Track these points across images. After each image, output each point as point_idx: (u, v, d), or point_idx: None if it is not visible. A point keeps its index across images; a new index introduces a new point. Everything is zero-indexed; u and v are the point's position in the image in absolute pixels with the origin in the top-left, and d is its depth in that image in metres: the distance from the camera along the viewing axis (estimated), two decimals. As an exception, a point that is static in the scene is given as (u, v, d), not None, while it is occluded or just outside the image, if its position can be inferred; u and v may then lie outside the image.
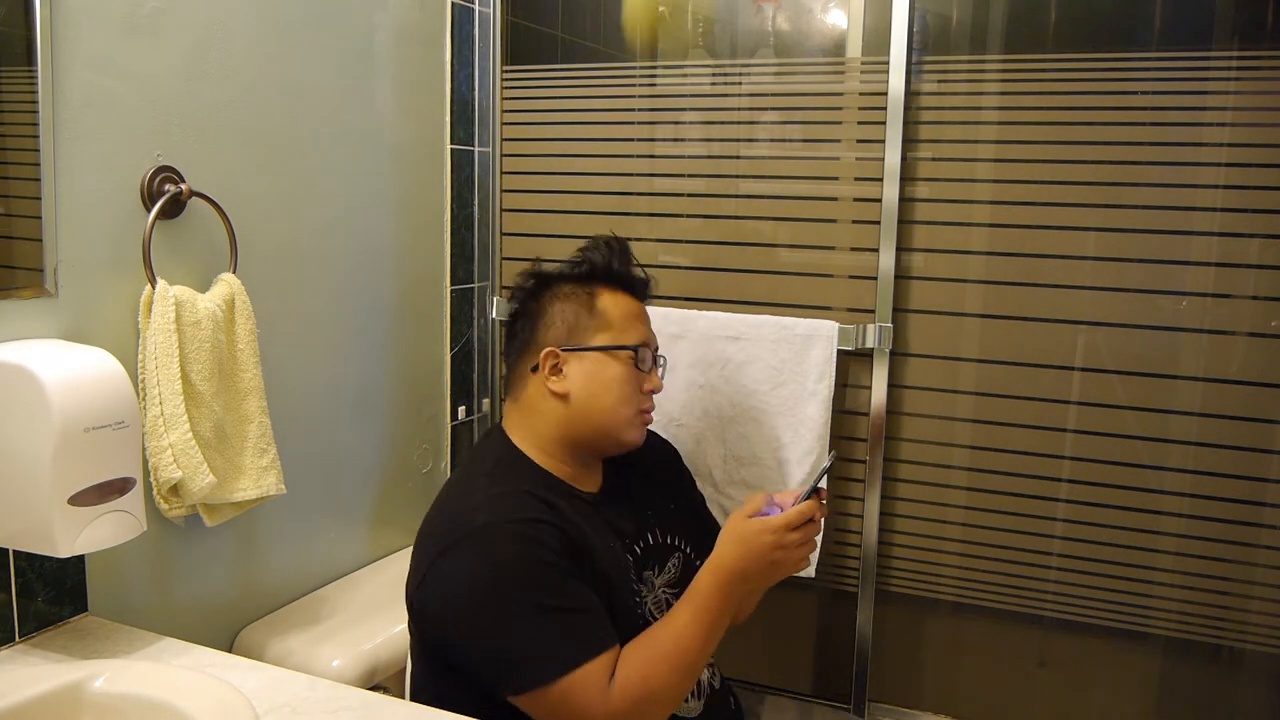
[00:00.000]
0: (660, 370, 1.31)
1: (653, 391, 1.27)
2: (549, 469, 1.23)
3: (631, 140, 1.74)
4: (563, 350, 1.22)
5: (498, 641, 1.08)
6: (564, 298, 1.25)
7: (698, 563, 1.33)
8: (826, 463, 1.18)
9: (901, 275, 1.57)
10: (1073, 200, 1.48)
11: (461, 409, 1.86)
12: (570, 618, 1.08)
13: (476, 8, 1.79)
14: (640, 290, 1.31)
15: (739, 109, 1.66)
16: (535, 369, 1.23)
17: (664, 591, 1.27)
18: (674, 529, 1.32)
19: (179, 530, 1.29)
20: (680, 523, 1.35)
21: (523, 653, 1.06)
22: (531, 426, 1.24)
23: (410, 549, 1.75)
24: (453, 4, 1.74)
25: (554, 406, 1.22)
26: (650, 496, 1.33)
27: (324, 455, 1.54)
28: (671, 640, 1.10)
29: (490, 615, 1.08)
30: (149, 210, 1.20)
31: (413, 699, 1.23)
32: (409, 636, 1.23)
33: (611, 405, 1.22)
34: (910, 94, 1.52)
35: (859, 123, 1.57)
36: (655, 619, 1.19)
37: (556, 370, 1.22)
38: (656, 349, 1.30)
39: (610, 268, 1.28)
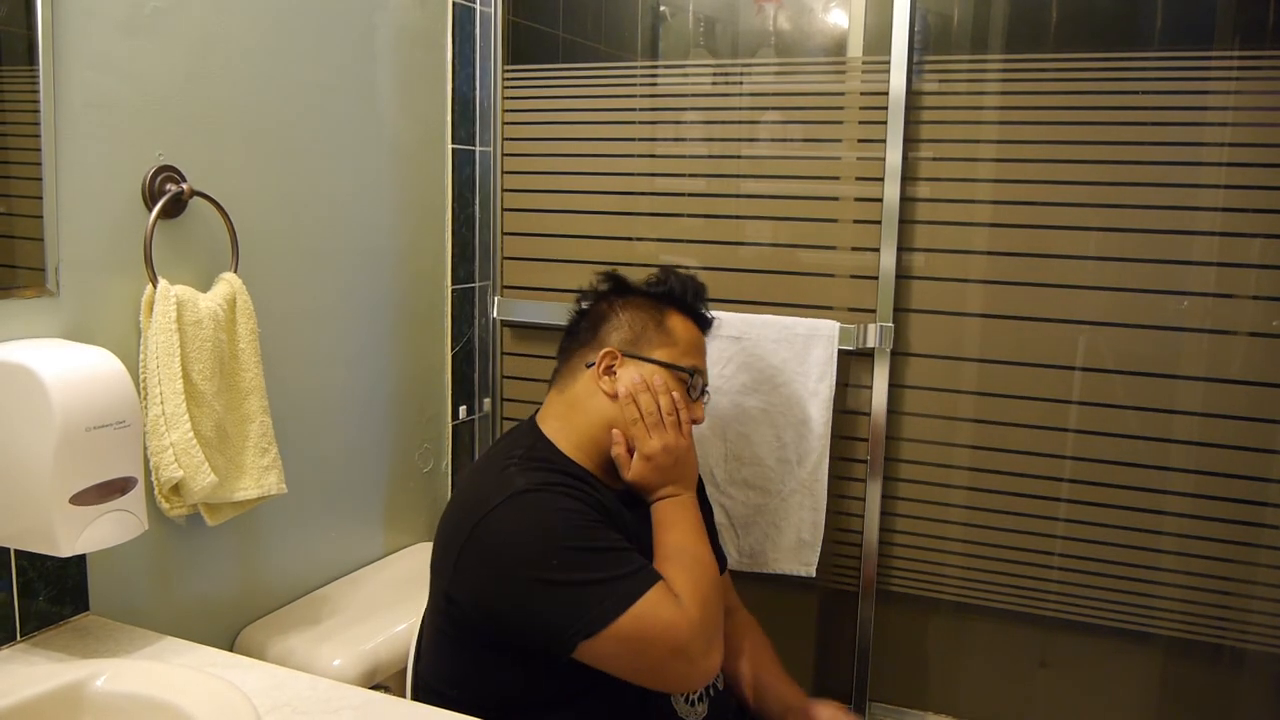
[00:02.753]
0: (706, 400, 1.32)
1: (695, 422, 1.28)
2: (578, 461, 1.23)
3: (632, 140, 1.74)
4: (622, 354, 1.24)
5: (556, 593, 1.07)
6: (636, 307, 1.28)
7: None
8: None
9: (902, 275, 1.57)
10: (1074, 200, 1.48)
11: (462, 409, 1.86)
12: (622, 555, 1.11)
13: (478, 7, 1.79)
14: (706, 325, 1.34)
15: (740, 109, 1.66)
16: (591, 365, 1.25)
17: None
18: None
19: (180, 530, 1.29)
20: None
21: (586, 595, 1.07)
22: (570, 420, 1.25)
23: (411, 547, 1.74)
24: (454, 3, 1.74)
25: (601, 404, 1.23)
26: None
27: (325, 455, 1.54)
28: (687, 553, 1.16)
29: (542, 571, 1.08)
30: (150, 210, 1.20)
31: (420, 688, 1.23)
32: (425, 629, 1.22)
33: None
34: (911, 93, 1.52)
35: (860, 122, 1.57)
36: None
37: (610, 371, 1.24)
38: (707, 382, 1.31)
39: (687, 296, 1.31)
